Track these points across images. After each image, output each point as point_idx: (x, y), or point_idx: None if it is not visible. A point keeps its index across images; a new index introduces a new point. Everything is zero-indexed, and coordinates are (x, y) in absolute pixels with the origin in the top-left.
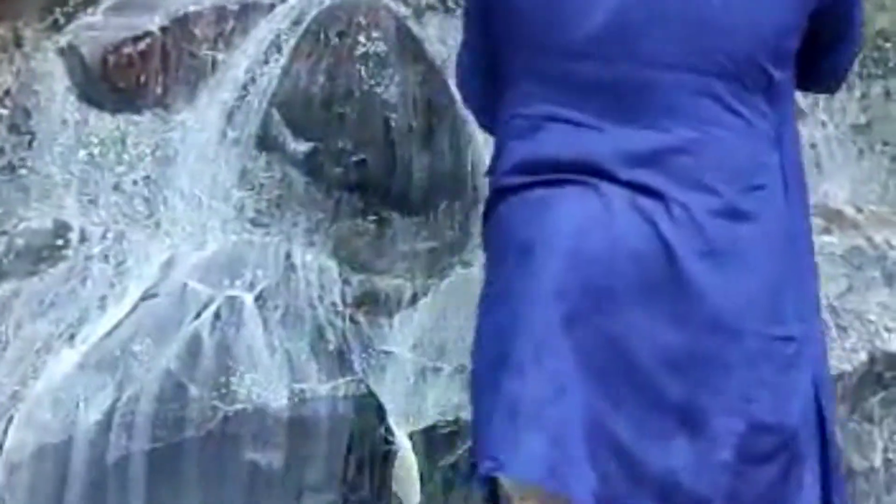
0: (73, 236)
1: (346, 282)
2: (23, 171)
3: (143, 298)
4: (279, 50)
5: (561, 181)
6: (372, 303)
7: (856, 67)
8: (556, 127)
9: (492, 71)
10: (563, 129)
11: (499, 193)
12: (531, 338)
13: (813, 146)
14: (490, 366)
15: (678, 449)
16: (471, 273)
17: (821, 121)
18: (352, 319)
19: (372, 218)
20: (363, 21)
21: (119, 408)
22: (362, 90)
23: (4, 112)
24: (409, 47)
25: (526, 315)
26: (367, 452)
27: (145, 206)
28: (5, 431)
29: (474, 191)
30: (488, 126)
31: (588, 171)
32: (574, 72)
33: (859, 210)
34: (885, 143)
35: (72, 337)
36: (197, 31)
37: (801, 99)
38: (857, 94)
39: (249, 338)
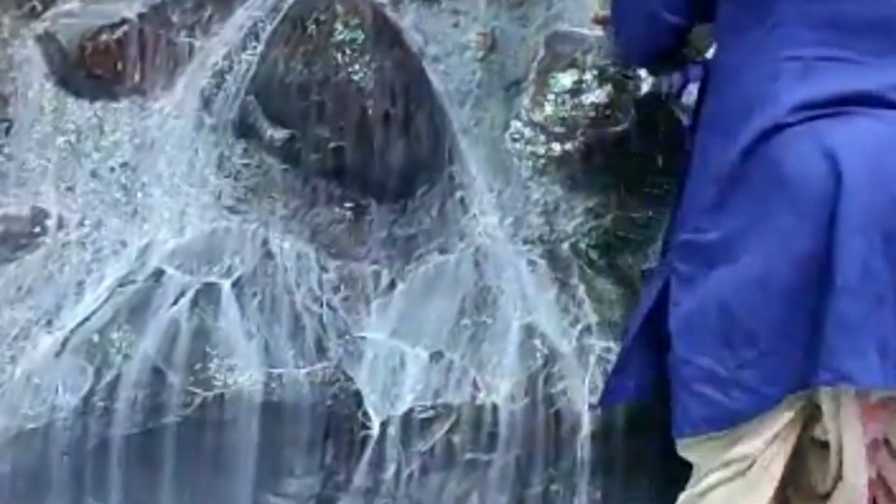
0: (51, 223)
1: (323, 268)
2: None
3: (121, 285)
4: (257, 37)
5: (845, 113)
6: (349, 289)
7: None
8: (831, 66)
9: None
10: (838, 67)
11: (776, 130)
12: (854, 256)
13: None
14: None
15: None
16: (449, 260)
17: None
18: (329, 306)
19: (349, 205)
20: (340, 9)
21: (97, 393)
22: (340, 77)
23: None
24: (387, 35)
25: (838, 238)
26: (345, 438)
27: (123, 193)
28: None
29: (451, 178)
30: (642, 63)
31: (869, 103)
32: (843, 13)
33: None
34: None
35: (49, 323)
36: (174, 18)
37: None
38: None
39: (227, 324)
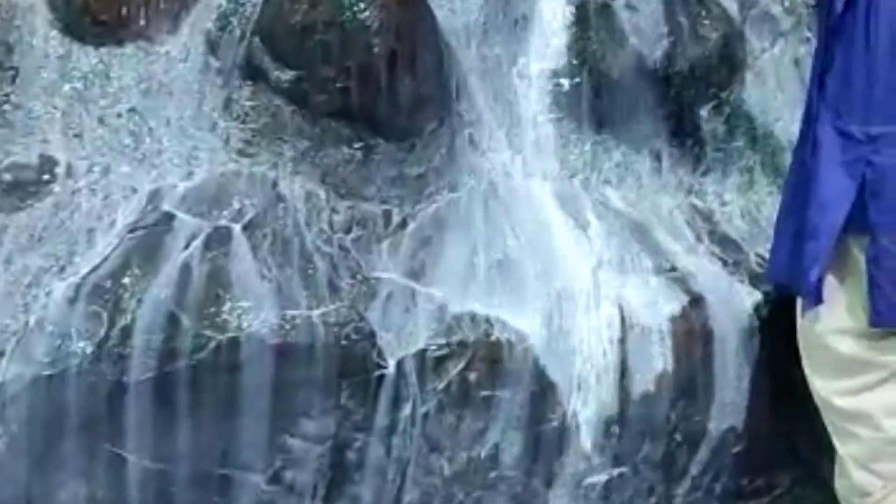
0: (60, 170)
1: (333, 209)
2: (7, 107)
3: (132, 230)
4: None
5: None
6: (360, 229)
7: None
8: None
9: None
10: None
11: None
12: None
13: None
14: None
15: None
16: (459, 197)
17: None
18: (340, 246)
19: (358, 145)
20: None
21: (111, 339)
22: (344, 17)
23: None
24: None
25: None
26: (361, 378)
27: (131, 139)
28: None
29: (459, 116)
30: None
31: None
32: None
33: None
34: None
35: (62, 270)
36: None
37: None
38: None
39: (239, 266)
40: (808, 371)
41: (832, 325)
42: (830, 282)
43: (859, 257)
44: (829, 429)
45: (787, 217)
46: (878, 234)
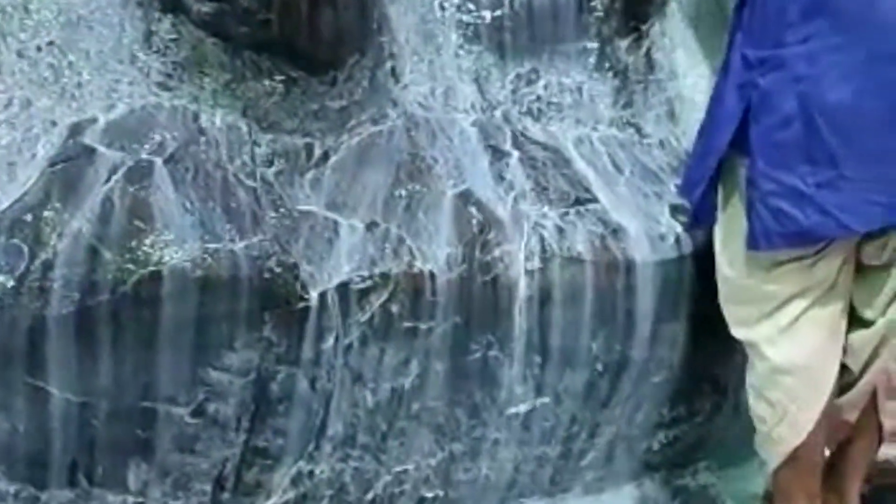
0: None
1: (255, 142)
2: None
3: (52, 164)
4: None
5: None
6: (283, 162)
7: None
8: None
9: None
10: None
11: None
12: None
13: None
14: None
15: None
16: (381, 130)
17: None
18: (263, 179)
19: (280, 77)
20: None
21: (32, 273)
22: None
23: None
24: None
25: None
26: (284, 310)
27: (50, 72)
28: None
29: (381, 48)
30: None
31: None
32: None
33: None
34: None
35: None
36: None
37: None
38: None
39: (160, 200)
40: (720, 299)
41: (727, 250)
42: (723, 205)
43: (740, 179)
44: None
45: (699, 139)
46: (756, 155)
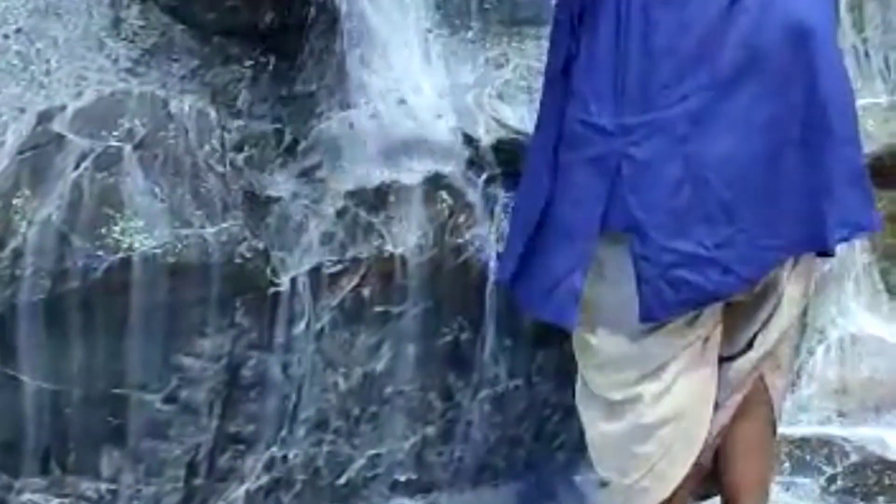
0: None
1: (224, 128)
2: None
3: (21, 152)
4: None
5: None
6: (252, 148)
7: None
8: None
9: None
10: None
11: None
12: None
13: None
14: None
15: None
16: (350, 115)
17: None
18: (232, 165)
19: (248, 63)
20: None
21: (2, 261)
22: None
23: None
24: None
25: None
26: (255, 295)
27: (19, 59)
28: None
29: (350, 34)
30: None
31: None
32: None
33: None
34: None
35: None
36: None
37: None
38: None
39: (130, 187)
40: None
41: (596, 323)
42: (591, 283)
43: (619, 255)
44: None
45: (531, 217)
46: (646, 229)
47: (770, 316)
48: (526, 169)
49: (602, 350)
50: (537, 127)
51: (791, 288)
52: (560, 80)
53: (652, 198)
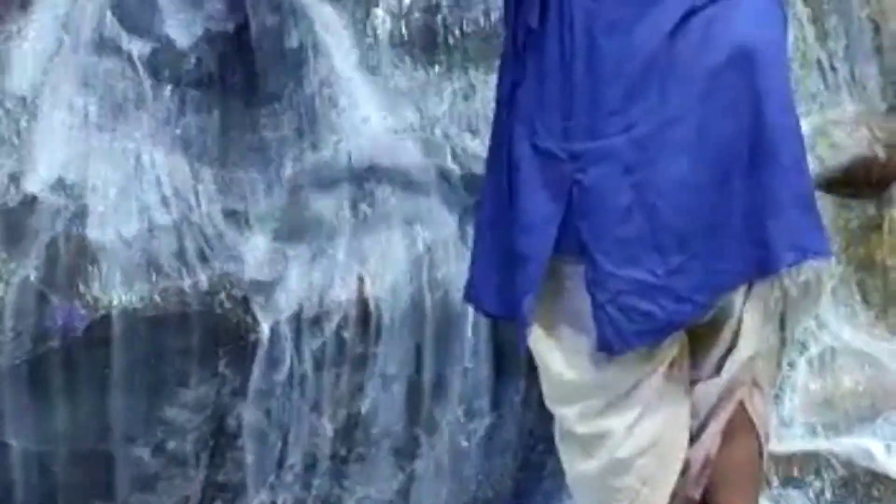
0: None
1: (197, 177)
2: None
3: None
4: None
5: None
6: (226, 196)
7: None
8: None
9: None
10: None
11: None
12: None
13: None
14: None
15: None
16: (322, 156)
17: None
18: (207, 214)
19: (217, 112)
20: None
21: None
22: None
23: None
24: None
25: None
26: (236, 344)
27: None
28: None
29: (317, 74)
30: None
31: None
32: None
33: None
34: None
35: None
36: None
37: None
38: None
39: (106, 241)
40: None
41: (556, 352)
42: (546, 308)
43: (574, 281)
44: None
45: (488, 241)
46: (596, 255)
47: (733, 341)
48: (483, 192)
49: (566, 378)
50: (490, 150)
51: (748, 317)
52: (507, 106)
53: (601, 224)
